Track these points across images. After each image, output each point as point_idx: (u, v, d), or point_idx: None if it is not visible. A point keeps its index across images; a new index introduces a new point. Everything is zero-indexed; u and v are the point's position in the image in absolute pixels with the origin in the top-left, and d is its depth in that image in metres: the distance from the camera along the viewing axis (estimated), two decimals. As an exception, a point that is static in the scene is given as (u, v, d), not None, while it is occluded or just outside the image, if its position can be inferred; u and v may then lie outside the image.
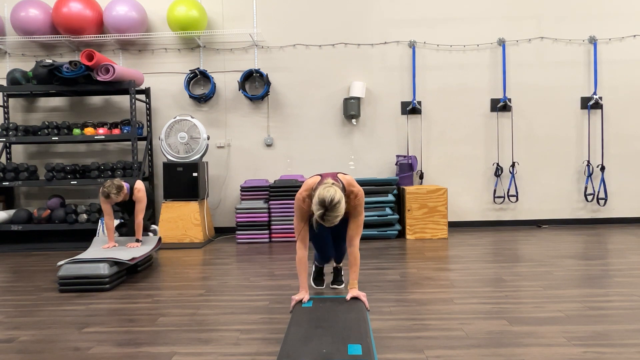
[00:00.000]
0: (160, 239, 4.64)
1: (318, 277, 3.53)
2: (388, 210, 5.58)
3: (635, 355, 2.28)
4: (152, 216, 5.30)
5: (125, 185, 4.42)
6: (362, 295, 2.86)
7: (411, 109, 6.23)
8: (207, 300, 3.34)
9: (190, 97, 6.22)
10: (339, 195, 2.63)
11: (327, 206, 2.60)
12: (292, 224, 5.56)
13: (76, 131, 5.76)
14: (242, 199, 5.75)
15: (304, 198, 2.86)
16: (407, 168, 5.95)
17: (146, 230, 4.78)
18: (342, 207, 2.65)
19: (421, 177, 6.20)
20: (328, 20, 6.27)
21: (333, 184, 2.72)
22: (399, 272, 4.02)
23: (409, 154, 6.23)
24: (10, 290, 3.76)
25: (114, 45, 6.29)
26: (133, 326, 2.86)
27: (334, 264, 3.52)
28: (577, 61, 6.22)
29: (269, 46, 6.30)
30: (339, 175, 2.90)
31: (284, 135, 6.33)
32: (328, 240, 3.23)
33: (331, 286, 3.52)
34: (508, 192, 6.26)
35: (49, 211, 5.61)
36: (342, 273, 3.55)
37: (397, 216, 5.61)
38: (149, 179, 6.21)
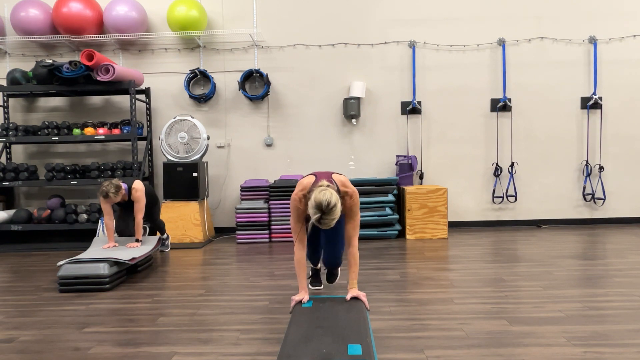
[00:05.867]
0: (159, 239, 4.64)
1: (315, 279, 3.52)
2: (388, 210, 5.58)
3: (635, 355, 2.28)
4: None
5: (124, 185, 4.42)
6: (362, 295, 2.85)
7: (411, 109, 6.23)
8: (207, 300, 3.35)
9: (190, 97, 6.22)
10: (334, 198, 2.64)
11: (324, 210, 2.60)
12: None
13: (76, 131, 5.76)
14: (242, 199, 5.75)
15: (300, 198, 2.86)
16: (407, 168, 5.95)
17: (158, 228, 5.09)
18: (339, 209, 2.66)
19: (421, 177, 6.20)
20: (328, 20, 6.26)
21: (328, 186, 2.72)
22: (399, 272, 4.02)
23: (409, 154, 6.23)
24: (10, 290, 3.76)
25: (114, 45, 6.29)
26: (133, 326, 2.86)
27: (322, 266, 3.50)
28: (577, 61, 6.22)
29: (269, 46, 6.30)
30: (333, 175, 2.91)
31: (284, 135, 6.32)
32: (320, 242, 3.24)
33: (311, 286, 3.52)
34: (507, 192, 6.26)
35: (49, 211, 5.61)
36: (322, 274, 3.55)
37: (397, 216, 5.61)
38: (149, 179, 6.21)
